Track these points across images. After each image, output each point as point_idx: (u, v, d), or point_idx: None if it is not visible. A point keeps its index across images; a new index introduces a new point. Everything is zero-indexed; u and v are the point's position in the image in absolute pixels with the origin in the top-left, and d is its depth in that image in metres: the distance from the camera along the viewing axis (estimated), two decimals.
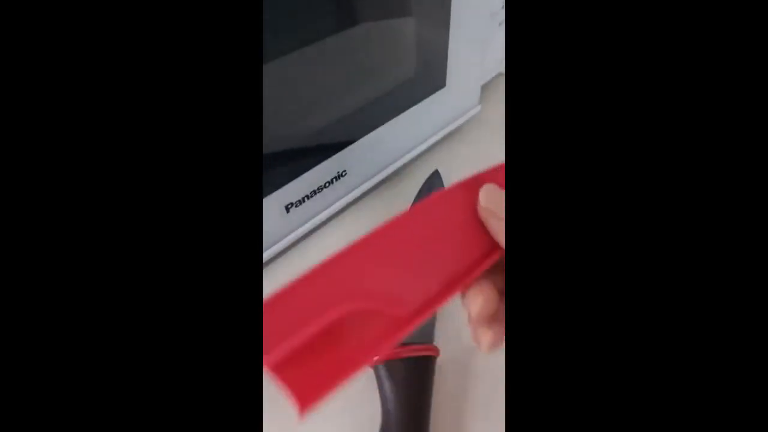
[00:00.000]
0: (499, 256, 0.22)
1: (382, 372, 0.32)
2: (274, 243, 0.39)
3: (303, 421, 0.19)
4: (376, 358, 0.22)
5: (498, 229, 0.21)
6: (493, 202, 0.21)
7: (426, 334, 0.35)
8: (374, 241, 0.21)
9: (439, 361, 0.34)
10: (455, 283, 0.22)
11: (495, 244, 0.22)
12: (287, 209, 0.38)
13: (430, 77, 0.43)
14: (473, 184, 0.23)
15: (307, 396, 0.19)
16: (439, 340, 0.36)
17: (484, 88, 0.54)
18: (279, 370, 0.19)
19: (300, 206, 0.39)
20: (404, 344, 0.33)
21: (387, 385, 0.32)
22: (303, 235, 0.41)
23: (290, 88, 0.34)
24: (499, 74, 0.56)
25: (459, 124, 0.49)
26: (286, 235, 0.39)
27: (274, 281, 0.40)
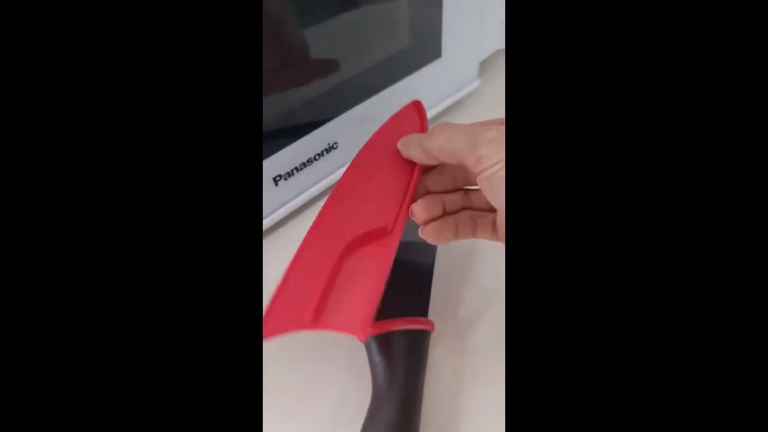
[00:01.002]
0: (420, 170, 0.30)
1: (374, 345, 0.31)
2: (264, 217, 0.37)
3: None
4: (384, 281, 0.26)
5: (418, 157, 0.30)
6: (405, 147, 0.30)
7: (420, 309, 0.34)
8: (339, 190, 0.29)
9: (433, 336, 0.33)
10: (406, 189, 0.29)
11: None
12: (275, 181, 0.36)
13: (424, 47, 0.42)
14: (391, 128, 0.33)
15: (356, 328, 0.24)
16: (434, 315, 0.34)
17: (484, 63, 0.52)
18: (319, 323, 0.24)
19: (289, 179, 0.37)
20: (398, 318, 0.32)
21: (378, 359, 0.30)
22: (294, 209, 0.39)
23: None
24: (499, 50, 0.54)
25: (457, 98, 0.48)
26: (275, 209, 0.38)
27: (266, 256, 0.39)
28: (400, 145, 0.31)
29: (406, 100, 0.43)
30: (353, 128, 0.40)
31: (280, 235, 0.40)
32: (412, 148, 0.29)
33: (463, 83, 0.48)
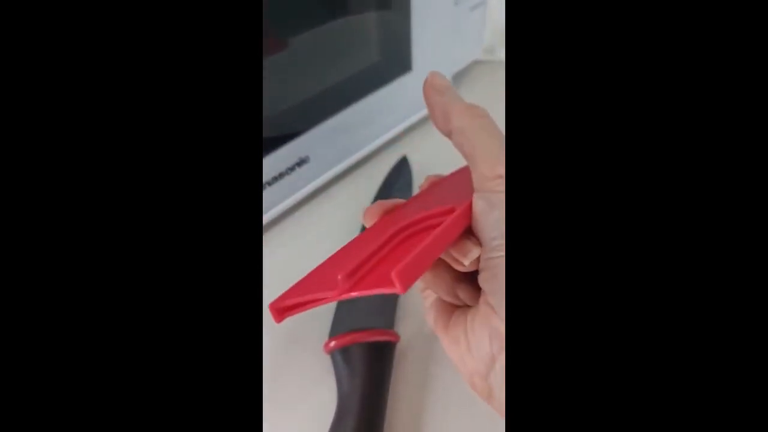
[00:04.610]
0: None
1: (339, 357, 0.32)
2: None
3: None
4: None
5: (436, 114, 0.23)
6: (432, 91, 0.23)
7: (386, 320, 0.34)
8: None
9: (399, 347, 0.33)
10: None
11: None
12: None
13: (394, 61, 0.42)
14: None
15: (395, 280, 0.17)
16: (401, 326, 0.35)
17: (459, 74, 0.53)
18: (353, 286, 0.19)
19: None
20: (363, 330, 0.32)
21: (343, 371, 0.31)
22: (265, 224, 0.40)
23: None
24: (474, 62, 0.55)
25: None
26: None
27: None
28: (429, 82, 0.24)
29: (377, 114, 0.44)
30: (324, 142, 0.40)
31: None
32: (440, 95, 0.23)
33: None
